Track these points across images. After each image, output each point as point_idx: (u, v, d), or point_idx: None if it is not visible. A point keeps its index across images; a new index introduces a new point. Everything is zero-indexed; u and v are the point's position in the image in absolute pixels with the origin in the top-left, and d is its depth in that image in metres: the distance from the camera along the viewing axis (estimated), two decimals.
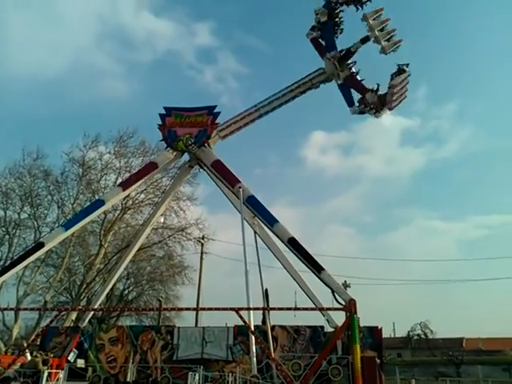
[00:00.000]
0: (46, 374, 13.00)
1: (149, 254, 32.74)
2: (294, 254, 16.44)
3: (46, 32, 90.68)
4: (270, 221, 16.99)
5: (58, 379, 13.73)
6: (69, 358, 17.17)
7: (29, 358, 16.13)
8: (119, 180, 27.85)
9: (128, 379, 14.74)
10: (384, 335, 19.43)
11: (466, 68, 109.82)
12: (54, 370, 14.20)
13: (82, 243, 31.06)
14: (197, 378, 13.00)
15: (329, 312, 16.54)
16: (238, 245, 19.14)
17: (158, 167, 19.54)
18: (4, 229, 28.90)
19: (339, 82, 19.96)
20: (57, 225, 26.78)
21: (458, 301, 76.61)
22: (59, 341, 18.61)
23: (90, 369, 16.92)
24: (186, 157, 20.12)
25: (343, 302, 14.56)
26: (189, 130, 19.36)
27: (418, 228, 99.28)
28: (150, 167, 19.60)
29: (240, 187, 17.81)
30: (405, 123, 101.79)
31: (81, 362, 17.50)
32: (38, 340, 18.71)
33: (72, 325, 21.68)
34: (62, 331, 19.27)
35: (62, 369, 15.23)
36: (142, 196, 30.05)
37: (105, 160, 29.86)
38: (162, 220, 28.43)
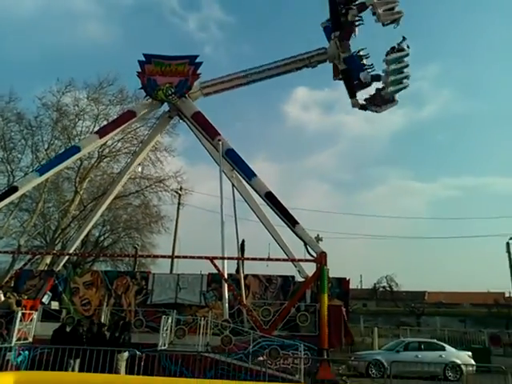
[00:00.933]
0: (19, 315, 13.14)
1: (125, 203, 32.61)
2: (271, 207, 16.78)
3: None
4: (248, 174, 17.13)
5: (31, 320, 13.92)
6: (43, 301, 17.38)
7: (2, 298, 16.26)
8: (96, 127, 27.20)
9: (102, 321, 15.12)
10: (351, 286, 20.39)
11: (449, 29, 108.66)
12: (27, 311, 14.34)
13: (57, 189, 30.61)
14: (170, 321, 13.47)
15: (300, 263, 17.15)
16: (216, 197, 19.34)
17: (136, 116, 19.11)
18: None
19: (341, 67, 18.69)
20: (31, 169, 26.28)
21: (424, 257, 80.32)
22: (33, 283, 18.69)
23: (64, 311, 17.16)
24: (165, 106, 19.71)
25: (314, 254, 15.15)
26: (169, 79, 18.79)
27: (393, 187, 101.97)
28: (128, 116, 19.13)
29: (220, 140, 17.73)
30: None
31: (55, 304, 17.73)
32: (12, 282, 18.72)
33: (46, 269, 21.81)
34: (36, 274, 19.31)
35: (36, 310, 15.43)
36: (119, 145, 29.56)
37: (81, 106, 29.02)
38: (139, 169, 28.20)
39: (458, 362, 17.24)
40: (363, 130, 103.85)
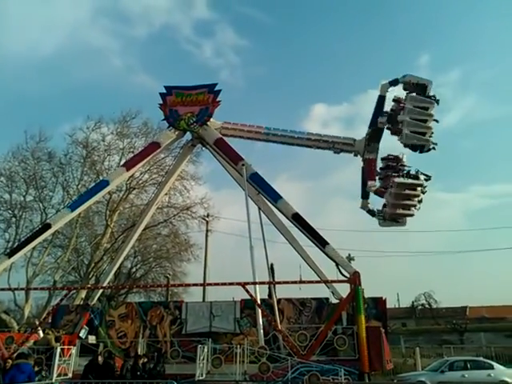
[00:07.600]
0: (58, 350, 13.26)
1: (155, 233, 33.03)
2: (299, 229, 16.59)
3: (40, 9, 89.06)
4: (274, 197, 17.09)
5: (70, 355, 14.00)
6: (80, 335, 17.53)
7: (41, 335, 16.51)
8: (123, 160, 27.92)
9: (139, 353, 15.10)
10: (388, 306, 19.79)
11: (469, 35, 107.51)
12: (66, 346, 14.45)
13: (88, 224, 31.36)
14: (206, 350, 13.32)
15: (333, 284, 16.79)
16: (243, 221, 19.31)
17: (161, 147, 19.57)
18: (10, 211, 29.21)
19: (361, 165, 18.41)
20: (62, 206, 27.03)
21: (462, 271, 77.39)
22: (70, 319, 18.98)
23: (101, 344, 17.25)
24: (188, 136, 20.10)
25: (347, 275, 14.80)
26: (190, 109, 19.33)
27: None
28: (153, 147, 19.62)
29: (243, 164, 17.85)
30: None
31: (92, 338, 17.88)
32: (50, 318, 18.95)
33: (82, 303, 22.10)
34: (72, 309, 19.60)
35: (74, 345, 15.53)
36: (146, 176, 30.27)
37: (108, 141, 29.97)
38: (166, 199, 28.65)
39: (509, 380, 16.32)
40: (385, 143, 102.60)
